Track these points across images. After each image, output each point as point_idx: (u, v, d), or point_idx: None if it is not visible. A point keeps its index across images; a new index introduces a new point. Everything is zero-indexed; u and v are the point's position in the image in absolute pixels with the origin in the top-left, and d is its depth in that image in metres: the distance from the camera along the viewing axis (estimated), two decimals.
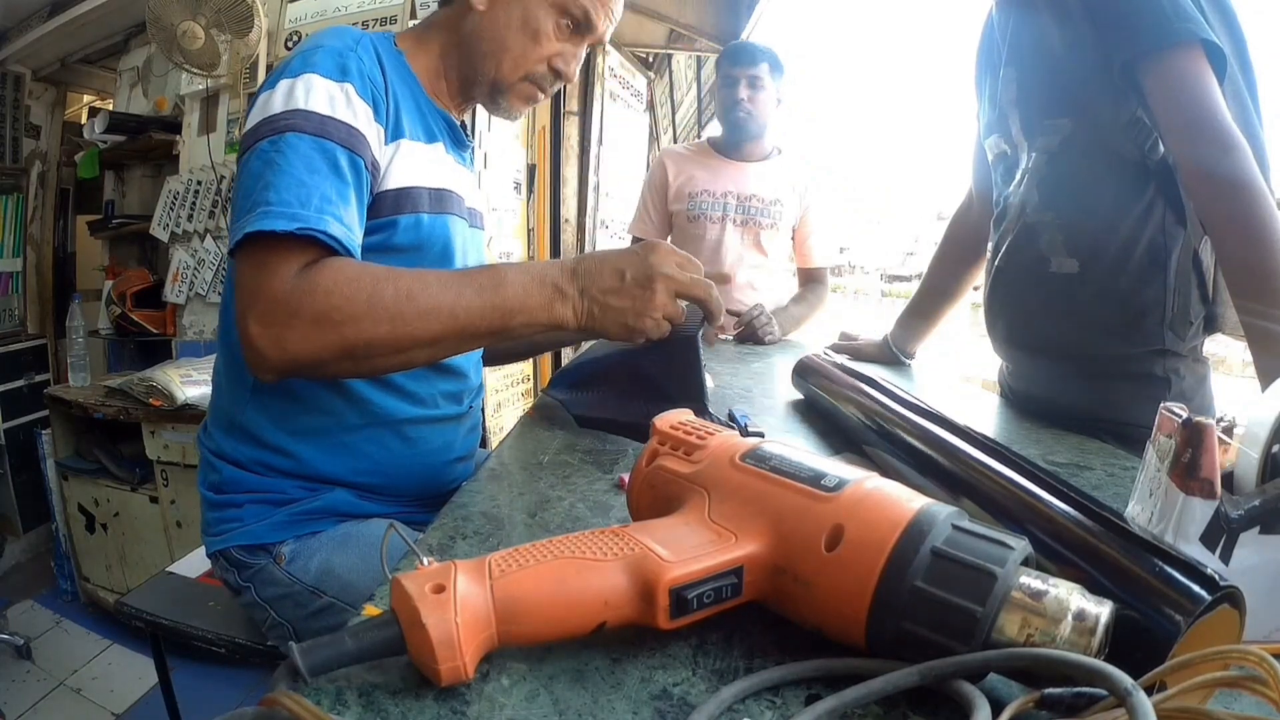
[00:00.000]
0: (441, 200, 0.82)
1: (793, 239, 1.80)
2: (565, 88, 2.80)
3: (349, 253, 0.65)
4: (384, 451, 0.82)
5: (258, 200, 0.63)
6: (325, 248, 0.64)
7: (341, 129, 0.68)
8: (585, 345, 1.04)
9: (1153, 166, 0.80)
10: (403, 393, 0.81)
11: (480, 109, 0.95)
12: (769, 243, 1.75)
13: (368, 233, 0.74)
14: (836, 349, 1.30)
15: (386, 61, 0.77)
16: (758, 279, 1.76)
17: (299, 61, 0.70)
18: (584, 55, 0.87)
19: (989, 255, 0.99)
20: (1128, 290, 0.82)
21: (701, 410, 0.71)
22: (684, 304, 0.79)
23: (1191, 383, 0.84)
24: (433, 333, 0.63)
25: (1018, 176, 0.91)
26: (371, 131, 0.72)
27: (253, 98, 0.73)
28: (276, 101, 0.68)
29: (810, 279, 1.83)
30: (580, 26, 0.84)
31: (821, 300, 1.80)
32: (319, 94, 0.68)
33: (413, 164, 0.78)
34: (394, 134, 0.76)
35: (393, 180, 0.76)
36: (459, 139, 0.89)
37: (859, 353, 1.27)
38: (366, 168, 0.71)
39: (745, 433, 0.68)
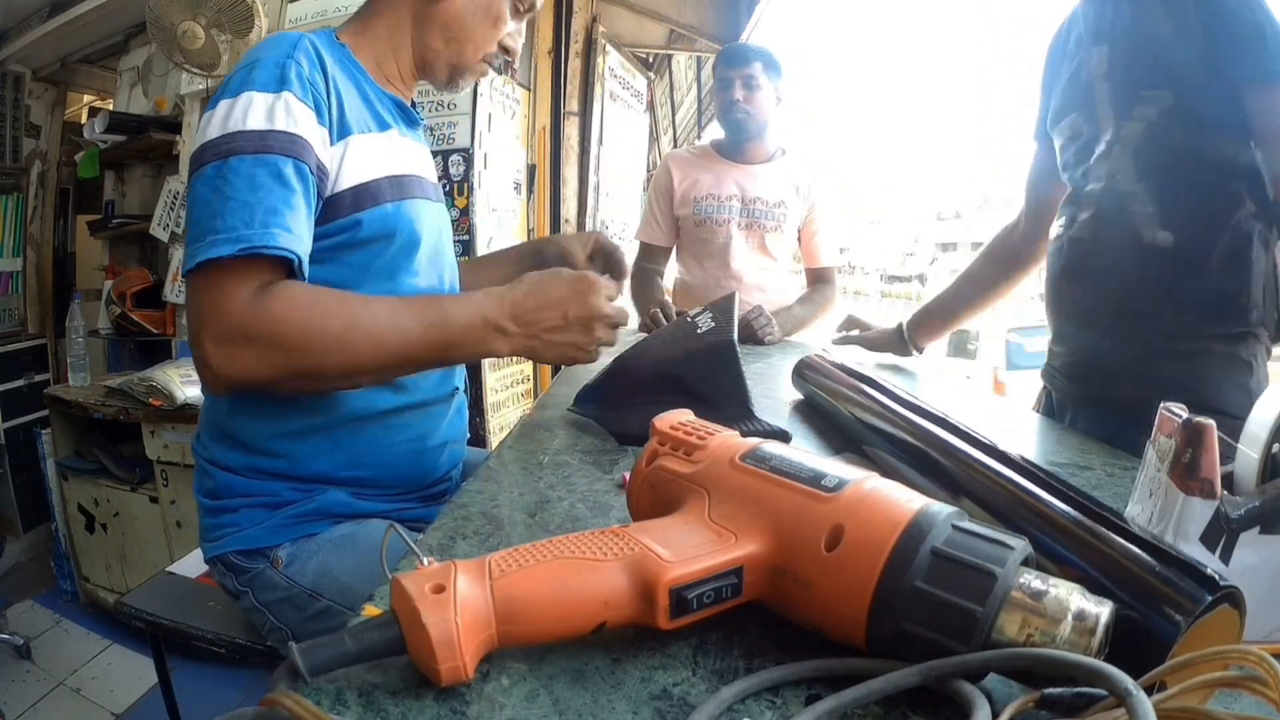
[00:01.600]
0: (403, 186, 0.83)
1: (799, 240, 1.79)
2: (565, 88, 2.80)
3: (298, 259, 0.68)
4: (368, 443, 0.82)
5: (206, 229, 0.65)
6: (275, 260, 0.67)
7: (282, 139, 0.69)
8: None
9: (1244, 161, 0.80)
10: (387, 382, 0.82)
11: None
12: (774, 245, 1.74)
13: (332, 234, 0.76)
14: (844, 337, 1.31)
15: (329, 58, 0.78)
16: (766, 281, 1.75)
17: (237, 80, 0.72)
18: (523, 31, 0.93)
19: (1059, 230, 0.96)
20: (1220, 268, 0.81)
21: (748, 415, 0.71)
22: (709, 313, 0.81)
23: (1265, 371, 0.84)
24: (378, 361, 0.69)
25: (1099, 150, 0.88)
26: (316, 135, 0.73)
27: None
28: (215, 125, 0.69)
29: (818, 279, 1.82)
30: (528, 8, 0.89)
31: (830, 300, 1.79)
32: (257, 110, 0.69)
33: (367, 157, 0.78)
34: (340, 133, 0.76)
35: (347, 178, 0.76)
36: (411, 119, 0.91)
37: (867, 339, 1.27)
38: (311, 171, 0.72)
39: (771, 434, 0.68)
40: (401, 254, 0.82)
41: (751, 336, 1.51)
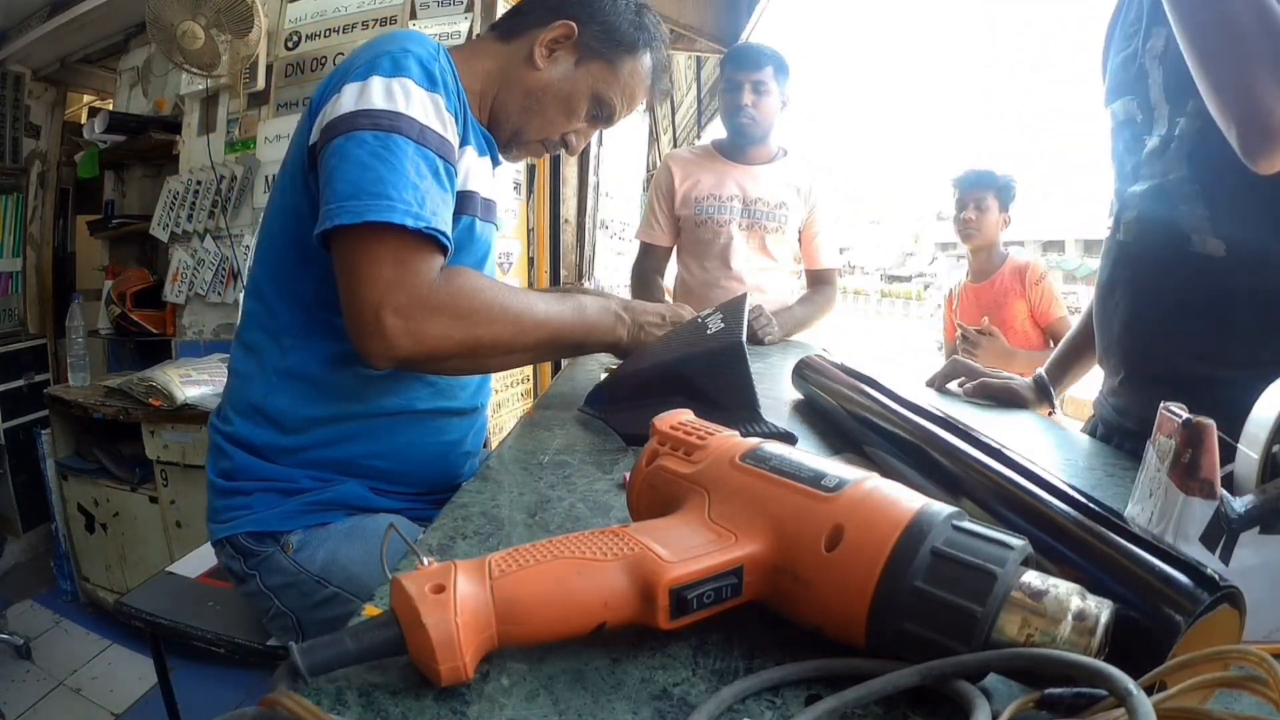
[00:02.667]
0: (489, 209, 0.88)
1: (799, 241, 1.79)
2: None
3: (451, 252, 0.72)
4: (402, 438, 0.84)
5: (371, 190, 0.65)
6: (442, 248, 0.70)
7: (435, 138, 0.72)
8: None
9: None
10: (429, 384, 0.85)
11: None
12: (775, 246, 1.74)
13: None
14: (975, 388, 1.00)
15: (455, 74, 0.80)
16: (766, 282, 1.75)
17: (389, 62, 0.72)
18: (592, 135, 0.97)
19: (1107, 233, 0.85)
20: (1275, 284, 0.70)
21: (754, 417, 0.71)
22: (719, 315, 0.83)
23: None
24: (538, 339, 0.76)
25: (1152, 144, 0.78)
26: (455, 143, 0.76)
27: (326, 85, 0.75)
28: (375, 97, 0.69)
29: (818, 280, 1.82)
30: (604, 117, 0.92)
31: (830, 301, 1.80)
32: (417, 102, 0.71)
33: (473, 171, 0.83)
34: (462, 141, 0.80)
35: (458, 183, 0.80)
36: (495, 154, 0.93)
37: (995, 391, 0.99)
38: (455, 175, 0.76)
39: (777, 435, 0.69)
40: (473, 268, 0.85)
41: (752, 336, 1.51)
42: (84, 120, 2.71)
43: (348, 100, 0.70)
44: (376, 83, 0.70)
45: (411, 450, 0.85)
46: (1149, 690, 0.25)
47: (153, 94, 2.43)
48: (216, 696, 1.49)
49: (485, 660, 0.32)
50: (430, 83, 0.73)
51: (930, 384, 1.07)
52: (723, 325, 0.79)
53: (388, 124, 0.68)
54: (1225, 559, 0.34)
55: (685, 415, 0.44)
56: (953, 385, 1.04)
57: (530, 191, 2.61)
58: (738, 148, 1.75)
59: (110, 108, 2.59)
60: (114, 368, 2.46)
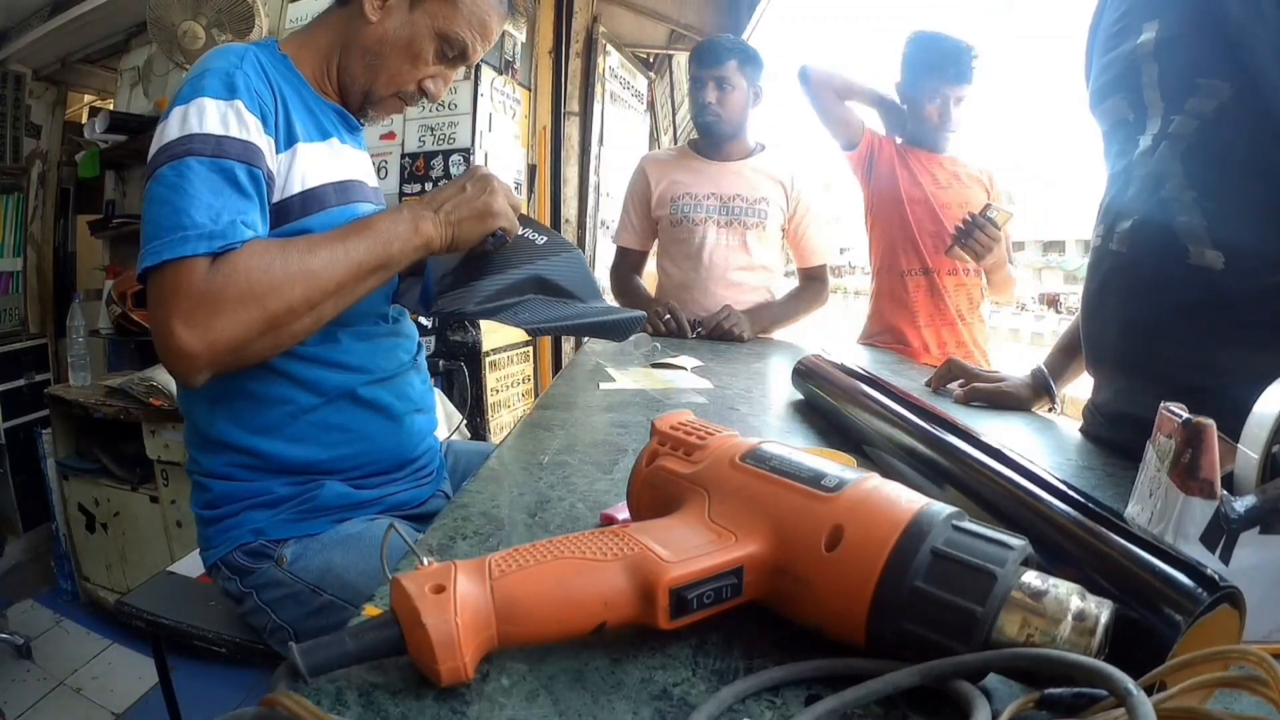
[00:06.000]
0: (346, 191, 0.86)
1: (785, 238, 1.77)
2: (565, 88, 2.80)
3: None
4: (346, 419, 0.84)
5: (170, 225, 0.67)
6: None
7: (236, 145, 0.72)
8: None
9: None
10: (345, 367, 0.85)
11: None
12: (755, 242, 1.71)
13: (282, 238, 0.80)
14: (969, 392, 0.98)
15: (273, 70, 0.81)
16: (746, 280, 1.72)
17: (189, 88, 0.74)
18: (454, 78, 0.95)
19: (1097, 241, 0.81)
20: (1277, 297, 0.67)
21: (606, 306, 0.89)
22: (531, 230, 0.90)
23: None
24: (336, 279, 0.73)
25: (1144, 144, 0.75)
26: (263, 143, 0.76)
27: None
28: (172, 129, 0.71)
29: (808, 278, 1.80)
30: (457, 56, 0.89)
31: (818, 298, 1.78)
32: (211, 115, 0.72)
33: (313, 164, 0.82)
34: (288, 141, 0.80)
35: (296, 184, 0.80)
36: (351, 125, 0.93)
37: (995, 395, 0.97)
38: (264, 178, 0.75)
39: (629, 320, 0.88)
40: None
41: (725, 335, 1.53)
42: (85, 120, 2.70)
43: (154, 143, 0.73)
44: (175, 114, 0.72)
45: (361, 428, 0.85)
46: (1149, 690, 0.25)
47: (153, 94, 2.42)
48: (217, 696, 1.49)
49: (485, 660, 0.32)
50: (229, 91, 0.74)
51: (928, 384, 1.07)
52: (546, 238, 0.89)
53: (181, 150, 0.70)
54: (1225, 559, 0.34)
55: (686, 415, 0.44)
56: (953, 386, 1.04)
57: (531, 191, 2.61)
58: (711, 145, 1.73)
59: (111, 108, 2.59)
60: (115, 367, 2.46)
